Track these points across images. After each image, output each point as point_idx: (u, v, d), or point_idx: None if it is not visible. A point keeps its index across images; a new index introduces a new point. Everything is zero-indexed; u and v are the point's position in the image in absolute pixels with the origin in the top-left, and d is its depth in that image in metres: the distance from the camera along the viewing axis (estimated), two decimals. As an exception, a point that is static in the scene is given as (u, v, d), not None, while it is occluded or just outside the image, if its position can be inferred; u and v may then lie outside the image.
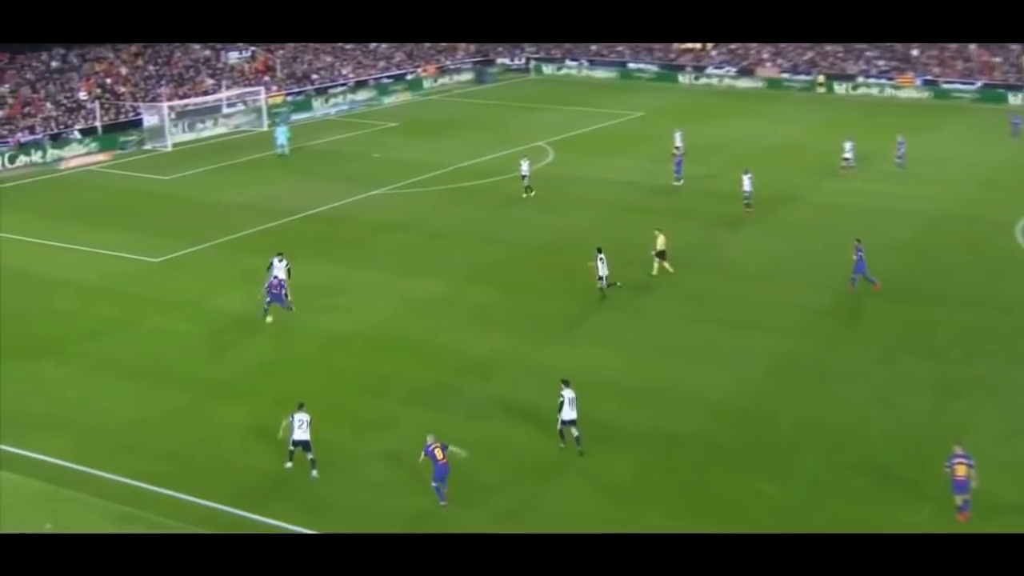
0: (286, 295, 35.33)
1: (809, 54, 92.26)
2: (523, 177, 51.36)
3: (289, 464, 25.77)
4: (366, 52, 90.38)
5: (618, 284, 37.30)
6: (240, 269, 40.58)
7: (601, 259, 36.79)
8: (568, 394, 26.37)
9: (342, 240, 44.97)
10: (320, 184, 55.23)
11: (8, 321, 35.74)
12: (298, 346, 33.60)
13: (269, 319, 35.14)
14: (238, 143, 67.51)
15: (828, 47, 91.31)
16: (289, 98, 78.98)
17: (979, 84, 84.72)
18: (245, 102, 74.08)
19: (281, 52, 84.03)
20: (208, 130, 70.02)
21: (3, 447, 26.84)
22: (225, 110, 72.35)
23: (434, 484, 24.06)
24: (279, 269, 36.07)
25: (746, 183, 47.89)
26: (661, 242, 39.07)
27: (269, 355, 32.94)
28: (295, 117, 75.51)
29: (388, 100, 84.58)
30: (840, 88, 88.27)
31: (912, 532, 22.05)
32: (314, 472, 25.46)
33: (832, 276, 39.66)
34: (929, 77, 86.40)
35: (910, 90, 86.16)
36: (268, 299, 35.29)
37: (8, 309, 36.82)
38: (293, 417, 25.56)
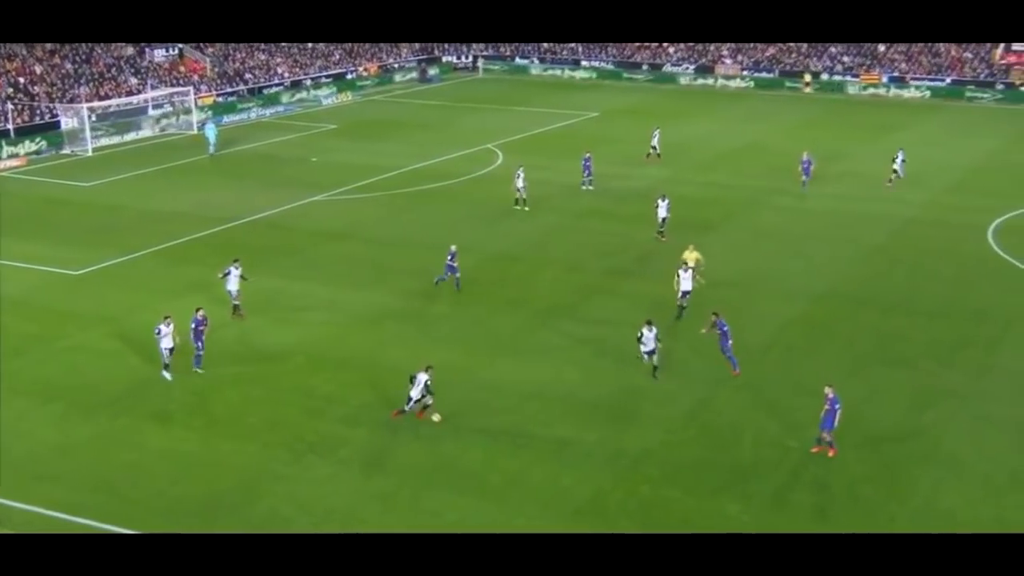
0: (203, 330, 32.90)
1: (771, 50, 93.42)
2: (517, 190, 50.44)
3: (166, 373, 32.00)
4: (303, 50, 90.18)
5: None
6: (170, 281, 40.29)
7: None
8: None
9: (280, 249, 44.74)
10: (256, 190, 55.00)
11: (-84, 340, 35.15)
12: (234, 364, 33.34)
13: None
14: (166, 146, 67.02)
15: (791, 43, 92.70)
16: (220, 99, 78.61)
17: (948, 80, 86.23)
18: (173, 103, 73.64)
19: (211, 50, 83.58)
20: (132, 133, 69.51)
21: (-89, 477, 26.39)
22: (151, 112, 71.90)
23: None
24: (233, 279, 36.15)
25: (662, 210, 45.79)
26: None
27: (202, 374, 32.63)
28: (227, 119, 75.14)
29: (327, 101, 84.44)
30: (802, 85, 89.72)
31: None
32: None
33: (799, 285, 40.27)
34: (896, 73, 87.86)
35: (876, 87, 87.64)
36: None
37: (-84, 327, 36.20)
38: (160, 329, 31.67)
